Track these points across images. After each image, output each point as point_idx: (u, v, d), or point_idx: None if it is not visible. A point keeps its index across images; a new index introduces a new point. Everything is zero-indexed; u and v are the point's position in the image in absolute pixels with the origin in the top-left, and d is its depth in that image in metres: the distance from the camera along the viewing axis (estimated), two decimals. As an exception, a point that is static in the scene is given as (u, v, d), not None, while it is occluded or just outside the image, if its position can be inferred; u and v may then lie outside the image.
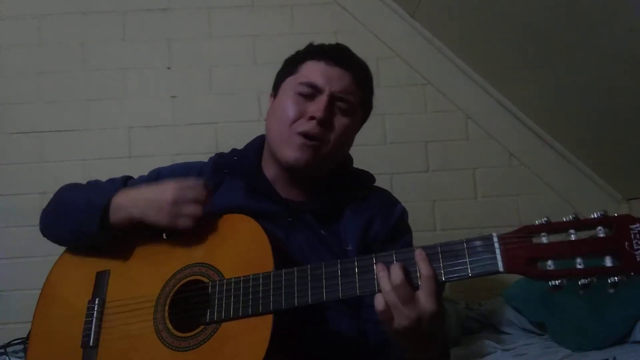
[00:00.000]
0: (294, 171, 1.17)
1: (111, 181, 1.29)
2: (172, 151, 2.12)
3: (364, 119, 1.26)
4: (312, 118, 1.12)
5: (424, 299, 0.86)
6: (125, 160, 2.12)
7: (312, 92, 1.14)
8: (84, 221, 1.12)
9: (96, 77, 2.15)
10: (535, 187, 2.17)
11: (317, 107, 1.12)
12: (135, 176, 1.30)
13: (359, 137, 2.16)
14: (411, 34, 2.22)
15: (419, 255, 0.88)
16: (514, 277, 1.86)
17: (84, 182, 1.55)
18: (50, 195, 1.33)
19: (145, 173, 1.30)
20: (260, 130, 1.33)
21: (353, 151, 1.28)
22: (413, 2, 2.15)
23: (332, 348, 1.07)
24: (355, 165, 1.31)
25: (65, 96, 2.14)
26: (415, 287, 0.87)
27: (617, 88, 1.70)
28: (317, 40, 1.25)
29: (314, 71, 1.15)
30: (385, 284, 0.88)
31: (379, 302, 0.88)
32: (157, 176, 1.26)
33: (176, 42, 2.19)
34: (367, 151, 2.11)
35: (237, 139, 1.32)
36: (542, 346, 1.63)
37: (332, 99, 1.14)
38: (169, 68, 2.18)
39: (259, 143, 1.28)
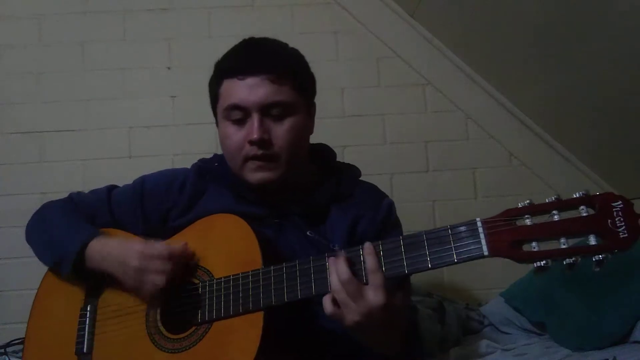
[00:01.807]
0: (266, 188, 1.16)
1: (94, 193, 1.29)
2: (172, 151, 2.12)
3: (309, 100, 1.21)
4: (250, 142, 1.10)
5: (372, 293, 0.87)
6: (125, 160, 2.12)
7: (240, 114, 1.12)
8: (58, 264, 1.14)
9: (96, 77, 2.15)
10: (535, 187, 2.16)
11: (250, 130, 1.10)
12: (134, 176, 1.30)
13: (359, 137, 2.16)
14: (411, 34, 2.21)
15: (367, 250, 0.89)
16: (514, 277, 1.86)
17: (83, 182, 1.57)
18: (50, 195, 1.33)
19: (146, 173, 1.30)
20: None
21: (353, 151, 1.28)
22: (413, 2, 2.15)
23: (324, 343, 1.08)
24: (356, 165, 1.30)
25: (65, 96, 2.13)
26: (364, 282, 0.89)
27: (617, 88, 1.70)
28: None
29: (231, 92, 1.12)
30: (335, 282, 0.89)
31: (325, 303, 0.90)
32: (141, 184, 1.26)
33: (176, 42, 2.19)
34: (367, 151, 2.12)
35: (236, 139, 1.32)
36: (542, 346, 1.62)
37: (262, 112, 1.10)
38: (169, 68, 2.18)
39: None
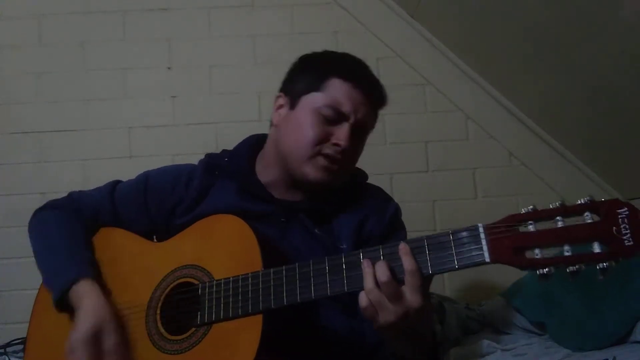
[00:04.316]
0: (310, 187, 1.17)
1: (97, 190, 1.28)
2: (172, 151, 2.12)
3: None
4: (336, 144, 1.12)
5: (410, 294, 0.86)
6: (125, 160, 2.12)
7: (336, 116, 1.13)
8: (51, 286, 1.13)
9: (96, 77, 2.16)
10: (535, 187, 2.16)
11: (342, 135, 1.12)
12: (135, 175, 1.30)
13: (359, 137, 2.13)
14: (411, 34, 2.21)
15: (403, 250, 0.88)
16: (514, 277, 1.86)
17: (83, 182, 1.56)
18: (51, 195, 1.33)
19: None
20: (259, 130, 1.33)
21: (352, 151, 1.28)
22: (413, 2, 2.15)
23: (325, 345, 1.07)
24: (356, 165, 1.31)
25: (65, 96, 2.14)
26: (400, 282, 0.87)
27: (617, 88, 1.70)
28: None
29: (341, 94, 1.14)
30: (369, 282, 0.88)
31: (361, 299, 0.88)
32: (145, 179, 1.25)
33: (176, 42, 2.19)
34: (367, 151, 2.10)
35: (237, 139, 1.32)
36: (542, 346, 1.62)
37: (355, 126, 1.14)
38: (169, 68, 2.18)
39: (250, 143, 1.27)
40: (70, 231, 1.20)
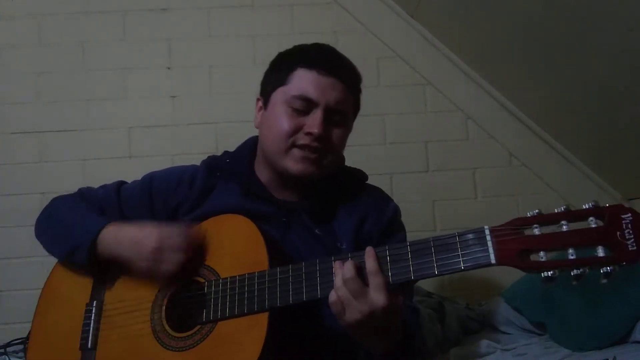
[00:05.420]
0: (298, 181, 1.18)
1: (103, 188, 1.29)
2: (172, 151, 2.12)
3: (354, 119, 1.26)
4: (309, 133, 1.12)
5: (373, 293, 0.89)
6: (125, 160, 2.12)
7: (306, 106, 1.13)
8: (73, 252, 1.14)
9: (96, 77, 2.16)
10: (535, 187, 2.16)
11: (313, 123, 1.12)
12: (135, 176, 1.30)
13: (359, 137, 2.16)
14: (411, 34, 2.22)
15: (367, 253, 0.92)
16: (514, 277, 1.86)
17: (83, 182, 1.57)
18: (51, 195, 1.33)
19: (146, 173, 1.30)
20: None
21: (353, 151, 1.29)
22: (413, 2, 2.15)
23: (329, 344, 1.08)
24: (356, 165, 1.31)
25: (65, 96, 2.14)
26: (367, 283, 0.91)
27: (617, 88, 1.70)
28: (317, 41, 1.25)
29: (306, 83, 1.14)
30: (338, 279, 0.91)
31: (330, 295, 0.92)
32: (150, 180, 1.26)
33: (176, 42, 2.19)
34: (367, 151, 2.12)
35: (237, 139, 1.33)
36: (542, 346, 1.62)
37: (327, 112, 1.14)
38: (169, 68, 2.18)
39: (250, 144, 1.28)
40: (82, 205, 1.24)
